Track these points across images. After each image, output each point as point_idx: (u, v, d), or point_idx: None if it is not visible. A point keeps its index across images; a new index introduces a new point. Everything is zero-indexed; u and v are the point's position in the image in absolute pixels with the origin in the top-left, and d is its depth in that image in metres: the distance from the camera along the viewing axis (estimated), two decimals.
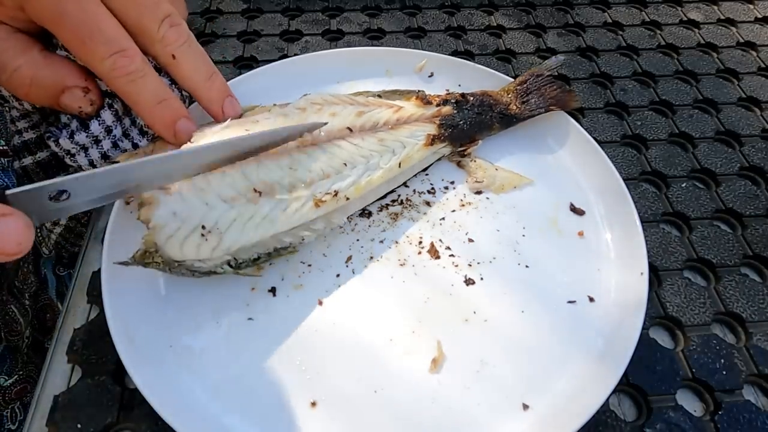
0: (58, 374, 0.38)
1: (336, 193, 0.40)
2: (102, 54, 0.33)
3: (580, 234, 0.44)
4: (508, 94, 0.50)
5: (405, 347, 0.37)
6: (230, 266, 0.37)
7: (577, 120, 0.51)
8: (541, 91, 0.50)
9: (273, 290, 0.39)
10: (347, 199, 0.41)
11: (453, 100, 0.48)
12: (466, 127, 0.47)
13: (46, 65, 0.35)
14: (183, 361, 0.36)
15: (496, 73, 0.53)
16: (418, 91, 0.49)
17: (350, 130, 0.42)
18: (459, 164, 0.48)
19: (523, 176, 0.47)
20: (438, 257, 0.42)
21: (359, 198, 0.42)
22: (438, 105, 0.47)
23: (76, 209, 0.32)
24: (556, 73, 0.52)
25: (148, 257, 0.34)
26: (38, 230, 0.58)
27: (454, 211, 0.45)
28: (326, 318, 0.38)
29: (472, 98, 0.49)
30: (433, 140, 0.46)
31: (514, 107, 0.49)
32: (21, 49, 0.34)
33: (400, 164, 0.44)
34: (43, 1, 0.32)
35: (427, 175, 0.47)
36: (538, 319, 0.39)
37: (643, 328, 0.36)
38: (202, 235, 0.35)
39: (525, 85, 0.51)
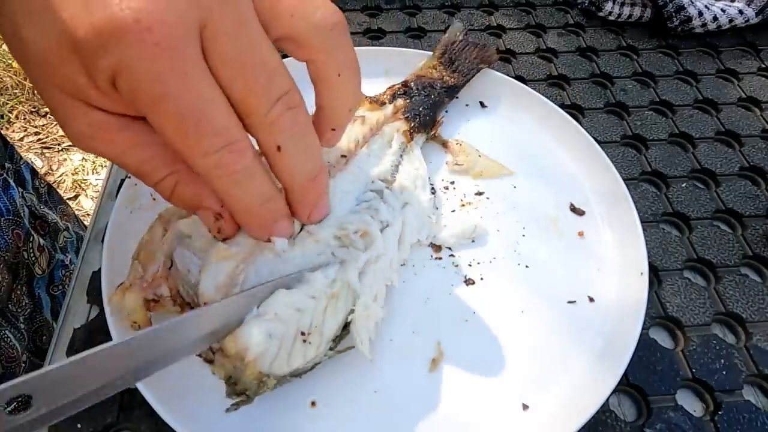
0: None
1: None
2: (207, 148, 0.25)
3: (580, 234, 0.44)
4: (436, 69, 0.52)
5: (405, 347, 0.37)
6: (330, 350, 0.34)
7: (577, 120, 0.51)
8: (463, 56, 0.53)
9: None
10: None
11: (400, 92, 0.49)
12: (426, 110, 0.48)
13: (188, 176, 0.29)
14: (183, 361, 0.36)
15: (496, 72, 0.53)
16: None
17: (344, 156, 0.41)
18: (444, 145, 0.49)
19: (504, 166, 0.48)
20: (438, 257, 0.42)
21: None
22: (391, 102, 0.48)
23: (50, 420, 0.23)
24: (465, 36, 0.55)
25: (261, 387, 0.31)
26: (31, 250, 0.55)
27: (454, 211, 0.45)
28: None
29: (413, 84, 0.50)
30: (411, 134, 0.46)
31: (449, 78, 0.51)
32: (170, 158, 0.28)
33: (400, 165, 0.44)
34: (138, 73, 0.23)
35: (428, 177, 0.47)
36: (538, 319, 0.39)
37: (643, 328, 0.36)
38: (304, 341, 0.31)
39: (447, 56, 0.53)
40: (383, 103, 0.47)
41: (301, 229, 0.34)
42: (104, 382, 0.24)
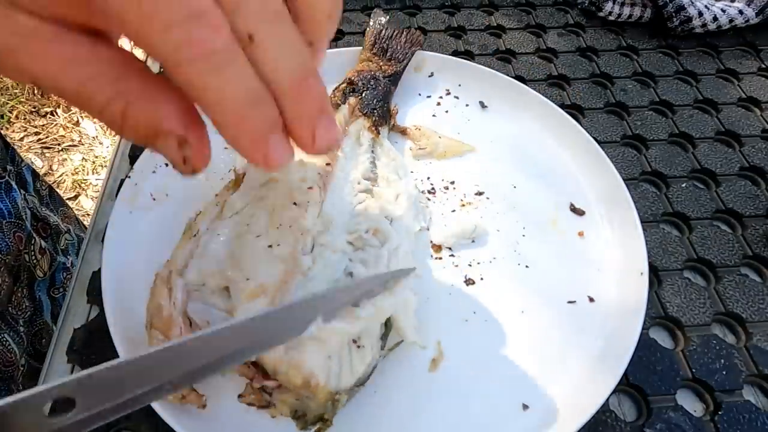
0: (58, 374, 0.38)
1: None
2: (166, 19, 0.19)
3: (580, 234, 0.44)
4: (372, 61, 0.52)
5: (405, 347, 0.37)
6: (382, 348, 0.34)
7: (577, 120, 0.51)
8: (394, 44, 0.54)
9: None
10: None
11: (349, 90, 0.49)
12: (379, 102, 0.48)
13: (141, 94, 0.22)
14: None
15: (497, 73, 0.53)
16: None
17: (328, 164, 0.41)
18: (403, 132, 0.50)
19: (464, 143, 0.49)
20: (438, 257, 0.42)
21: None
22: (344, 102, 0.48)
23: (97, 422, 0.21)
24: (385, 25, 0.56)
25: (336, 406, 0.31)
26: (32, 252, 0.55)
27: (454, 211, 0.45)
28: None
29: (357, 80, 0.50)
30: (377, 129, 0.46)
31: (387, 67, 0.52)
32: (117, 73, 0.22)
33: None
34: None
35: (428, 178, 0.47)
36: (538, 319, 0.39)
37: (643, 328, 0.36)
38: (358, 346, 0.32)
39: (378, 46, 0.54)
40: (337, 105, 0.47)
41: (313, 247, 0.34)
42: (150, 387, 0.22)
